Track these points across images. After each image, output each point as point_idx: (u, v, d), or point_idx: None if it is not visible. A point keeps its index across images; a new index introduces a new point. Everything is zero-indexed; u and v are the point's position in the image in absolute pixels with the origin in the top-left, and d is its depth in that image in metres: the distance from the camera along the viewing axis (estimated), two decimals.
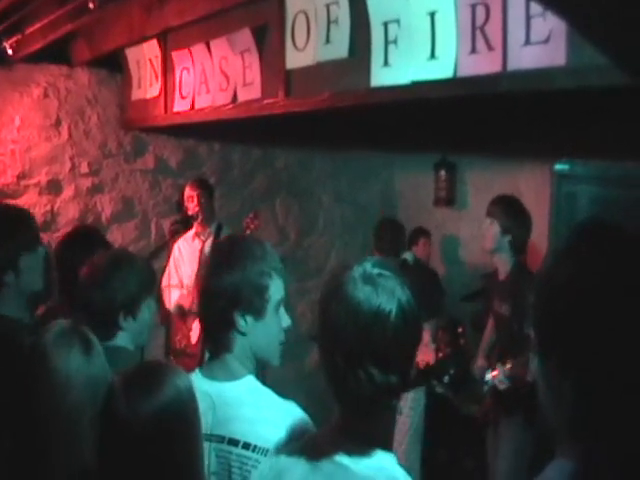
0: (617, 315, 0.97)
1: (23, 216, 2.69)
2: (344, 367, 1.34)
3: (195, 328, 4.62)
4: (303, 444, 1.54)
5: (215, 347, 1.91)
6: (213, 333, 1.92)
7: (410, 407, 4.62)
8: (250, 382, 1.88)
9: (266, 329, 1.88)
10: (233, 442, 1.77)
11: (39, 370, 1.57)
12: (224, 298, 1.83)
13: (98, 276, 2.25)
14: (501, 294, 3.87)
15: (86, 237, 2.99)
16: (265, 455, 1.72)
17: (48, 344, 1.59)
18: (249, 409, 1.81)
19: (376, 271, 1.38)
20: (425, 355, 4.21)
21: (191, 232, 4.98)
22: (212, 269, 1.89)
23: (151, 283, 2.40)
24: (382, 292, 1.34)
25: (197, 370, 1.93)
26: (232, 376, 1.87)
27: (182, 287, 4.87)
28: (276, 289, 1.88)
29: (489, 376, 3.61)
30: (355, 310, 1.33)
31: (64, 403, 1.53)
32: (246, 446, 1.76)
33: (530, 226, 3.83)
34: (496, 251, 3.81)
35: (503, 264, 3.84)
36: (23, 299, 2.56)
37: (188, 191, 4.92)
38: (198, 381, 1.79)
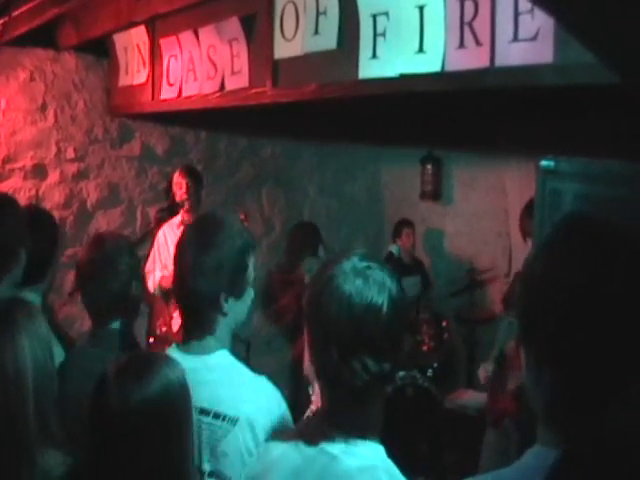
0: (586, 308, 1.00)
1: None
2: (338, 359, 1.35)
3: (177, 316, 4.60)
4: (293, 436, 1.52)
5: (197, 329, 1.90)
6: (195, 316, 1.90)
7: None
8: (224, 356, 1.89)
9: (244, 306, 1.92)
10: (204, 412, 1.79)
11: None
12: (208, 282, 1.83)
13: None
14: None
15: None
16: (234, 425, 1.75)
17: None
18: (221, 381, 1.83)
19: (364, 264, 1.40)
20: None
21: (177, 219, 4.95)
22: (193, 250, 1.87)
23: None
24: (373, 284, 1.36)
25: (174, 345, 1.94)
26: (207, 350, 1.88)
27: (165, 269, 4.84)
28: (252, 266, 1.92)
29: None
30: (348, 303, 1.35)
31: None
32: (216, 416, 1.78)
33: None
34: None
35: None
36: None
37: (177, 178, 4.89)
38: (173, 355, 1.80)
